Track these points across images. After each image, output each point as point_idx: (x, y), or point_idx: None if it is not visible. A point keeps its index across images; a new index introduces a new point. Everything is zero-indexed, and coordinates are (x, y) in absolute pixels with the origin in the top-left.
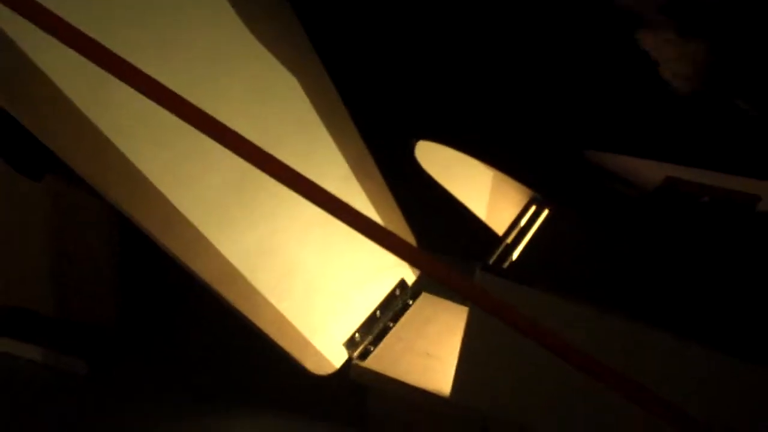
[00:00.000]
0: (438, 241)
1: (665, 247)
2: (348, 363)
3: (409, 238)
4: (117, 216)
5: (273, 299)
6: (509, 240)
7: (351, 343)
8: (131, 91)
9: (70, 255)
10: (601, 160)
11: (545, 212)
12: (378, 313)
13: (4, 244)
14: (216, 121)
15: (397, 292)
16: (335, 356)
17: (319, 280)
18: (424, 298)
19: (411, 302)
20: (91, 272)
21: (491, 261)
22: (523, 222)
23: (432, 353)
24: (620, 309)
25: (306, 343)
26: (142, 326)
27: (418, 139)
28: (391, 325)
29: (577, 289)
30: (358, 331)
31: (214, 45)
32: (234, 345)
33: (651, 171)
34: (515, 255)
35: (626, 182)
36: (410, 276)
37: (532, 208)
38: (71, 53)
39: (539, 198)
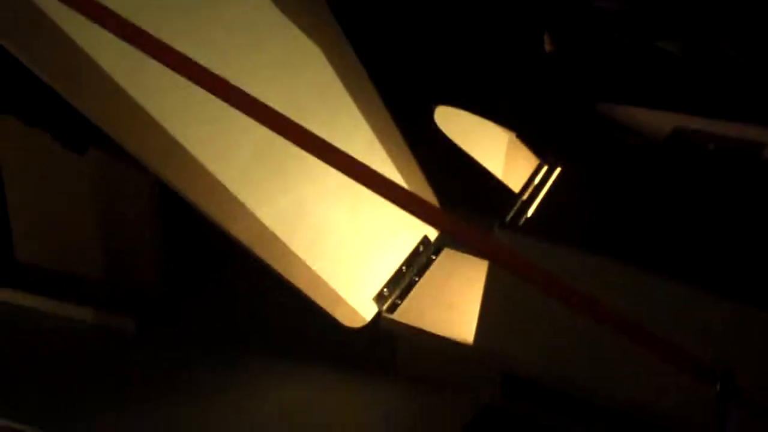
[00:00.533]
0: (458, 200)
1: (674, 195)
2: (378, 316)
3: (431, 198)
4: (159, 185)
5: (307, 258)
6: (525, 197)
7: (380, 297)
8: (171, 71)
9: (116, 222)
10: (611, 112)
11: (557, 170)
12: (404, 268)
13: (54, 213)
14: (246, 94)
15: (421, 249)
16: (365, 310)
17: (348, 239)
18: (446, 253)
19: (434, 257)
20: (137, 237)
21: (508, 218)
22: (537, 180)
23: (455, 305)
24: (631, 259)
25: (338, 298)
26: (186, 286)
27: (437, 104)
28: (417, 279)
29: (589, 241)
30: (386, 286)
31: (240, 20)
32: (272, 302)
33: (659, 121)
34: (530, 211)
35: (636, 133)
36: (432, 233)
37: (546, 167)
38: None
39: (552, 157)
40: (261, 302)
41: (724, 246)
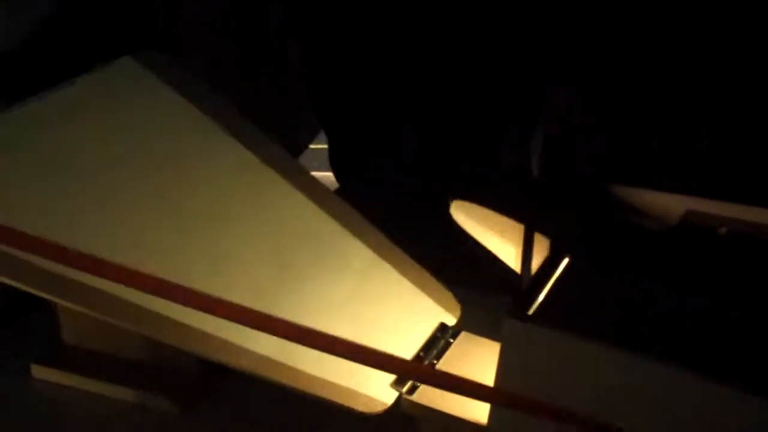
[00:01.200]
0: (474, 289)
1: (686, 281)
2: (398, 399)
3: (446, 294)
4: None
5: (316, 371)
6: (535, 285)
7: (398, 382)
8: None
9: None
10: (624, 194)
11: (567, 258)
12: (422, 353)
13: None
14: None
15: (438, 335)
16: (386, 396)
17: (365, 332)
18: (464, 336)
19: (452, 341)
20: None
21: (517, 307)
22: (549, 268)
23: None
24: (644, 349)
25: (355, 393)
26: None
27: (453, 199)
28: (435, 362)
29: (598, 330)
30: None
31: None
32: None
33: (671, 204)
34: (539, 300)
35: (648, 216)
36: (450, 320)
37: (556, 257)
38: None
39: (562, 247)
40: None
41: (739, 336)
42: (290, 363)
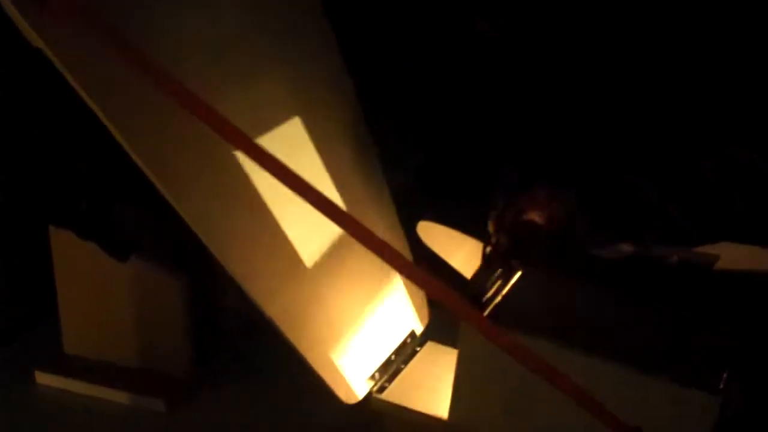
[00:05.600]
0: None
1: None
2: (368, 395)
3: (421, 301)
4: (188, 292)
5: (322, 344)
6: (489, 295)
7: (371, 379)
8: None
9: (150, 318)
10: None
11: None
12: (393, 356)
13: (97, 312)
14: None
15: (408, 341)
16: (359, 390)
17: (351, 330)
18: (430, 345)
19: (419, 349)
20: (168, 331)
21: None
22: (500, 282)
23: (435, 388)
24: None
25: (341, 378)
26: (209, 373)
27: (419, 220)
28: (403, 366)
29: (545, 330)
30: (377, 370)
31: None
32: (283, 383)
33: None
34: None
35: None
36: (419, 328)
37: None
38: None
39: (516, 264)
40: (277, 386)
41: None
42: (307, 325)
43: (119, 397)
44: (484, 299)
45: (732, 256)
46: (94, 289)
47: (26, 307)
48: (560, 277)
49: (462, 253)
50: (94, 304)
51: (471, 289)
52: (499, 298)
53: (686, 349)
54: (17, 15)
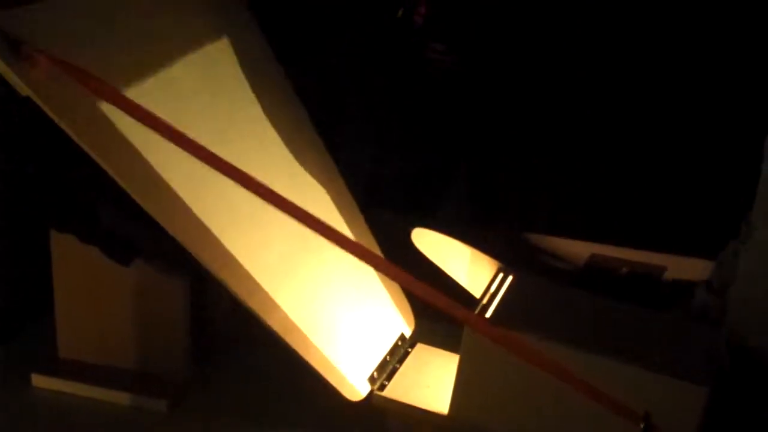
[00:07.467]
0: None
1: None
2: (370, 393)
3: (406, 306)
4: (189, 294)
5: (322, 346)
6: (485, 301)
7: (371, 379)
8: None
9: (150, 321)
10: (539, 241)
11: (510, 278)
12: (388, 357)
13: (94, 314)
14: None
15: (399, 343)
16: (362, 388)
17: (349, 332)
18: (420, 347)
19: (410, 350)
20: (169, 335)
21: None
22: (494, 287)
23: (432, 385)
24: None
25: (343, 377)
26: (209, 374)
27: (413, 227)
28: (398, 366)
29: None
30: (375, 370)
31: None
32: (285, 382)
33: (579, 249)
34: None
35: (560, 259)
36: (407, 331)
37: (501, 275)
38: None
39: (505, 268)
40: (273, 386)
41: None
42: (306, 331)
43: (120, 398)
44: (481, 304)
45: (677, 267)
46: (92, 292)
47: (22, 309)
48: (551, 282)
49: (453, 259)
50: (93, 308)
51: None
52: (496, 300)
53: (676, 345)
54: (6, 69)
